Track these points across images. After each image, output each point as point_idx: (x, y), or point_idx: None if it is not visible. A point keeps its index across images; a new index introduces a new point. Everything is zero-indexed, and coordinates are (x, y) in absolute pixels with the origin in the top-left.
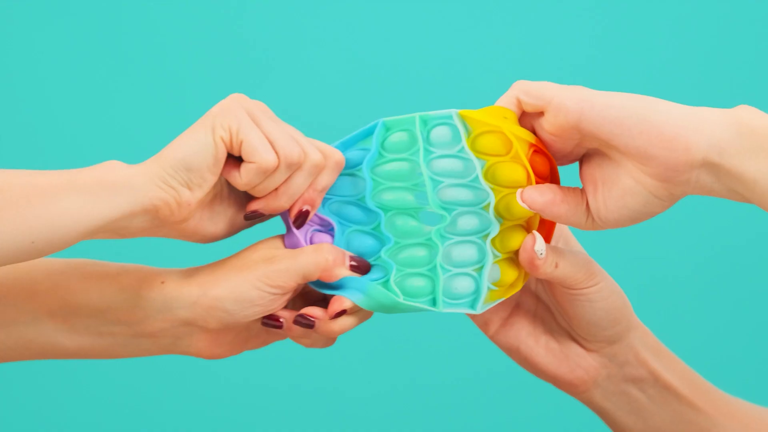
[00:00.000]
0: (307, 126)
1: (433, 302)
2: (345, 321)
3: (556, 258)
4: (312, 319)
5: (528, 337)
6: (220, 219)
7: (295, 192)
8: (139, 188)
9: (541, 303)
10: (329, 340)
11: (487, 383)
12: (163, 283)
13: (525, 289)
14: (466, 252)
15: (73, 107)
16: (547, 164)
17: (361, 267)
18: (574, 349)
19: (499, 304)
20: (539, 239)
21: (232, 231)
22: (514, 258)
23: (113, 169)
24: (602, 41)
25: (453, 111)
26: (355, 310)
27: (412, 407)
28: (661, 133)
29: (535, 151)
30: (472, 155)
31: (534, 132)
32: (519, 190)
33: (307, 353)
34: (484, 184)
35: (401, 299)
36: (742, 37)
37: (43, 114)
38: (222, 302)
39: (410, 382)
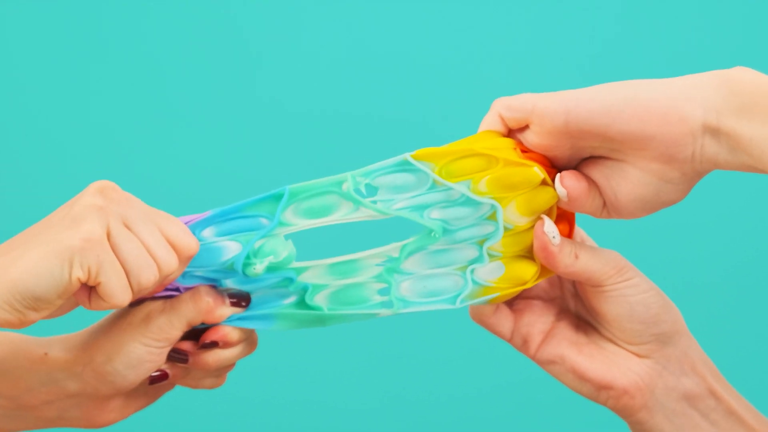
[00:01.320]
0: (299, 118)
1: (390, 305)
2: (222, 353)
3: (574, 249)
4: (184, 353)
5: (571, 346)
6: (66, 305)
7: (139, 295)
8: None
9: (582, 320)
10: (217, 378)
11: (503, 396)
12: (46, 354)
13: (563, 308)
14: (447, 257)
15: (60, 101)
16: (541, 157)
17: (241, 300)
18: (624, 354)
19: (537, 317)
20: (547, 220)
21: (76, 306)
22: (530, 254)
23: None
24: (602, 41)
25: (406, 156)
26: (236, 342)
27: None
28: (652, 110)
29: (522, 150)
30: (449, 183)
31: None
32: (558, 176)
33: (299, 366)
34: (480, 198)
35: (325, 311)
36: (747, 33)
37: (26, 113)
38: (112, 366)
39: (406, 396)
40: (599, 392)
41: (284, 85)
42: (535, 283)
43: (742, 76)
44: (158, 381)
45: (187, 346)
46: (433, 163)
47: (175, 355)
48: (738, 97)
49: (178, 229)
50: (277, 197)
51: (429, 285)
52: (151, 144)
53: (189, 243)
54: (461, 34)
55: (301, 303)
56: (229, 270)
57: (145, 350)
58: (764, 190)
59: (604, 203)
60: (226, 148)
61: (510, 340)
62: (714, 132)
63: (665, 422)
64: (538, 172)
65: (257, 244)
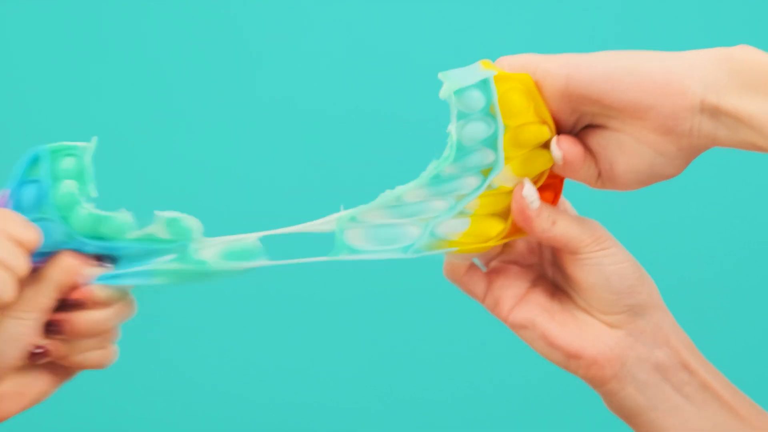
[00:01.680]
0: (299, 118)
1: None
2: (94, 315)
3: (552, 215)
4: (56, 322)
5: (543, 313)
6: None
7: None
8: None
9: (558, 288)
10: (101, 349)
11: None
12: None
13: (541, 275)
14: (412, 208)
15: (60, 101)
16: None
17: (106, 258)
18: (596, 324)
19: (512, 281)
20: (527, 183)
21: None
22: (503, 214)
23: None
24: (602, 41)
25: (489, 73)
26: (105, 300)
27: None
28: (653, 80)
29: None
30: (499, 116)
31: None
32: (555, 138)
33: (296, 366)
34: (500, 149)
35: (211, 266)
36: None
37: (26, 112)
38: None
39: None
40: (569, 361)
41: (284, 85)
42: (500, 242)
43: (746, 54)
44: (40, 358)
45: (58, 315)
46: (496, 85)
47: (50, 327)
48: (740, 75)
49: (18, 225)
50: (36, 159)
51: (382, 234)
52: (150, 143)
53: (33, 237)
54: (461, 34)
55: (183, 257)
56: (95, 236)
57: (17, 323)
58: (765, 175)
59: (600, 173)
60: (225, 147)
61: (483, 302)
62: (713, 111)
63: (636, 394)
64: (548, 131)
65: (54, 199)
